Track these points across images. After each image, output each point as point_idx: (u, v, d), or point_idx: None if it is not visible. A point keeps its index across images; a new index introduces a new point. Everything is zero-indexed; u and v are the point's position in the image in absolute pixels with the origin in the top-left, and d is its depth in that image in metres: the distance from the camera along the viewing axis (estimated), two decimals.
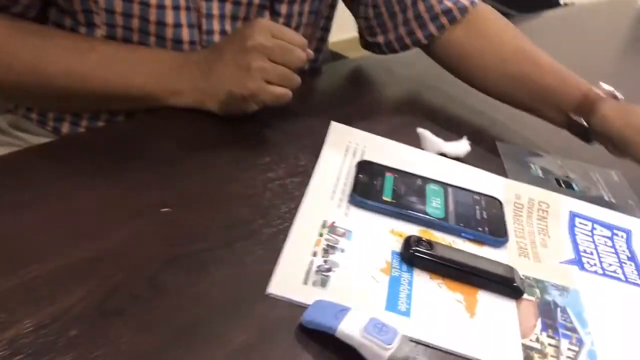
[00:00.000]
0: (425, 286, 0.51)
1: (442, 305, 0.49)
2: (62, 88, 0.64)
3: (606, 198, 0.75)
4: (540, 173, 0.76)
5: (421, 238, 0.54)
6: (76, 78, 0.64)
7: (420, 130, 0.73)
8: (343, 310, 0.43)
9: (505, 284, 0.52)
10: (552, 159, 0.82)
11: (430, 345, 0.45)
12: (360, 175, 0.61)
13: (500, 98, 0.82)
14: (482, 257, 0.55)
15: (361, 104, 0.80)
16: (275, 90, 0.61)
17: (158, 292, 0.43)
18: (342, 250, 0.52)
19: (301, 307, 0.45)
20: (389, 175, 0.63)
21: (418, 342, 0.45)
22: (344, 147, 0.66)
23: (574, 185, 0.76)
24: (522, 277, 0.54)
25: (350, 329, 0.42)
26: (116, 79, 0.64)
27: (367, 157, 0.66)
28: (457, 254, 0.54)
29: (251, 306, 0.44)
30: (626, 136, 0.72)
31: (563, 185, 0.75)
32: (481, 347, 0.46)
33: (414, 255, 0.52)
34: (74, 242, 0.46)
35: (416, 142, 0.72)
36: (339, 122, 0.69)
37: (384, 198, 0.60)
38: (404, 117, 0.79)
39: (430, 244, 0.53)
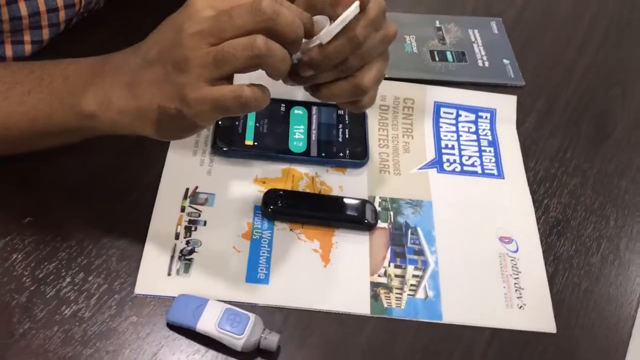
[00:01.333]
0: (284, 241, 0.55)
1: (299, 260, 0.55)
2: None
3: (480, 63, 0.75)
4: (414, 47, 0.76)
5: (279, 192, 0.57)
6: None
7: None
8: (201, 306, 0.49)
9: (358, 222, 0.57)
10: (429, 20, 0.80)
11: (287, 308, 0.52)
12: (221, 120, 0.62)
13: None
14: (337, 198, 0.59)
15: None
16: (228, 92, 0.43)
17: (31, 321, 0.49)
18: (205, 223, 0.55)
19: (170, 300, 0.50)
20: None
21: (276, 308, 0.52)
22: None
23: (449, 55, 0.75)
24: (377, 203, 0.59)
25: (206, 325, 0.48)
26: (15, 108, 0.50)
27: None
28: (313, 200, 0.58)
29: (121, 310, 0.50)
30: None
31: (437, 58, 0.75)
32: (333, 298, 0.53)
33: (272, 213, 0.56)
34: None
35: None
36: None
37: (246, 142, 0.61)
38: None
39: (287, 196, 0.57)
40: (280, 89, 0.65)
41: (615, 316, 0.56)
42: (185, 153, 0.60)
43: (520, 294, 0.56)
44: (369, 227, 0.57)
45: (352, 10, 0.46)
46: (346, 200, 0.58)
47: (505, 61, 0.76)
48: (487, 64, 0.75)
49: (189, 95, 0.43)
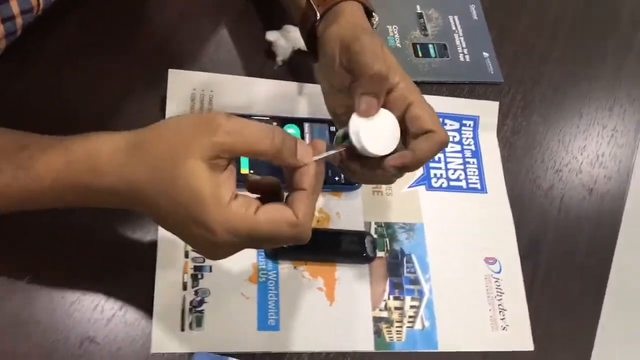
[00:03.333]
0: (290, 281, 0.57)
1: (306, 301, 0.56)
2: None
3: (461, 57, 0.75)
4: (397, 40, 0.73)
5: None
6: None
7: (269, 36, 0.66)
8: None
9: (358, 256, 0.59)
10: (409, 4, 0.77)
11: (300, 353, 0.54)
12: None
13: None
14: (337, 232, 0.60)
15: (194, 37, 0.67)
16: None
17: None
18: (210, 269, 0.55)
19: (187, 357, 0.51)
20: None
21: (289, 353, 0.54)
22: (189, 98, 0.61)
23: (431, 49, 0.74)
24: (374, 230, 0.61)
25: None
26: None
27: (216, 104, 0.62)
28: (315, 236, 0.58)
29: None
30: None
31: (420, 54, 0.73)
32: (340, 338, 0.56)
33: (275, 253, 0.57)
34: None
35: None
36: (182, 66, 0.62)
37: (242, 171, 0.60)
38: (247, 29, 0.68)
39: None
40: (270, 105, 0.64)
41: (579, 328, 0.64)
42: None
43: (504, 315, 0.61)
44: (369, 260, 0.59)
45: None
46: (345, 234, 0.60)
47: (485, 54, 0.76)
48: (467, 57, 0.75)
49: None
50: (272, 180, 0.45)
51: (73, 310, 0.51)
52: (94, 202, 0.45)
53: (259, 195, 0.45)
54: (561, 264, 0.66)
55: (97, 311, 0.52)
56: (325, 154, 0.44)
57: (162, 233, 0.55)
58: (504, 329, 0.60)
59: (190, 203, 0.40)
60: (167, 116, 0.60)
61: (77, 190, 0.44)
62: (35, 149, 0.44)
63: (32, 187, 0.44)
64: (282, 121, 0.63)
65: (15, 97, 0.58)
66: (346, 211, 0.62)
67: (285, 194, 0.44)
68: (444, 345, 0.58)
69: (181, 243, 0.54)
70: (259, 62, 0.67)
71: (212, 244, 0.42)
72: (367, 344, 0.56)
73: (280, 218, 0.41)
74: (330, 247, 0.59)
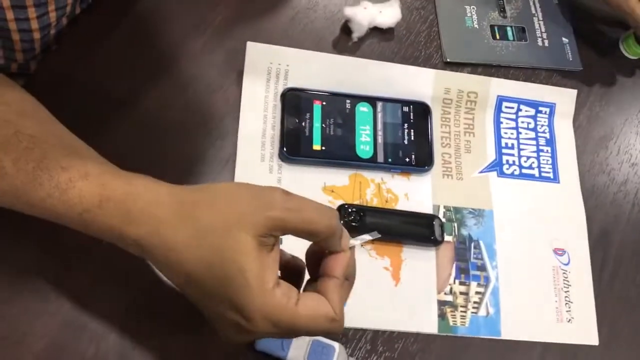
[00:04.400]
0: (357, 259, 0.56)
1: (372, 279, 0.57)
2: None
3: (540, 42, 0.72)
4: (475, 22, 0.72)
5: (349, 208, 0.58)
6: None
7: (347, 11, 0.65)
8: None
9: (426, 239, 0.59)
10: None
11: (361, 329, 0.55)
12: (287, 121, 0.60)
13: None
14: (405, 213, 0.59)
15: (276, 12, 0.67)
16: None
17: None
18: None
19: None
20: (316, 105, 0.61)
21: (354, 329, 0.55)
22: (265, 71, 0.62)
23: (509, 32, 0.72)
24: (442, 214, 0.61)
25: (296, 357, 0.51)
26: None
27: (292, 79, 0.62)
28: (383, 216, 0.59)
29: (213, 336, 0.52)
30: None
31: (498, 36, 0.72)
32: (403, 318, 0.56)
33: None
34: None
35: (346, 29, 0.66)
36: (257, 40, 0.62)
37: (314, 147, 0.60)
38: (324, 3, 0.68)
39: (359, 212, 0.58)
40: (344, 82, 0.63)
41: None
42: (253, 159, 0.59)
43: (570, 307, 0.60)
44: (436, 244, 0.59)
45: None
46: (414, 215, 0.60)
47: (565, 40, 0.73)
48: (546, 42, 0.73)
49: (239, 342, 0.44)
50: (301, 263, 0.46)
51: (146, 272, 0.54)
52: (118, 244, 0.44)
53: (280, 271, 0.44)
54: (631, 260, 0.64)
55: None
56: (360, 240, 0.46)
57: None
58: (569, 322, 0.59)
59: (232, 281, 0.39)
60: (244, 89, 0.61)
61: (104, 230, 0.43)
62: (75, 173, 0.43)
63: (62, 210, 0.43)
64: (354, 99, 0.63)
65: (96, 59, 0.60)
66: (415, 193, 0.61)
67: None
68: (507, 333, 0.58)
69: None
70: (334, 37, 0.66)
71: (240, 328, 0.40)
72: (430, 327, 0.57)
73: (320, 313, 0.42)
74: (399, 227, 0.59)
